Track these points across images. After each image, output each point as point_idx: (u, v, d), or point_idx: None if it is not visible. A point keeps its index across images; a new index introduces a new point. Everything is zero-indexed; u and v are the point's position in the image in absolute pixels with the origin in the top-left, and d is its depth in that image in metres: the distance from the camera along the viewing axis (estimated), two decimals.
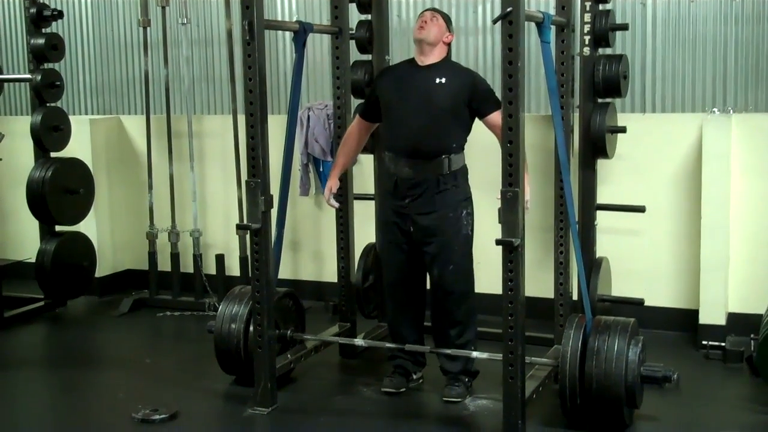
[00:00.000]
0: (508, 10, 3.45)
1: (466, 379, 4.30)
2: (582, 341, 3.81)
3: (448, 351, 4.25)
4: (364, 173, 5.47)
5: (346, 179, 4.84)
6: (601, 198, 4.82)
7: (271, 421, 4.09)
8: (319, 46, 5.88)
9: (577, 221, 4.25)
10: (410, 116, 4.18)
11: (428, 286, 4.39)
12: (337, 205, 4.66)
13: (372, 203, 5.10)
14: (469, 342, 4.28)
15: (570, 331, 3.85)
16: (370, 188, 5.20)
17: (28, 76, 5.82)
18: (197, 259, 6.06)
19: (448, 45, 4.30)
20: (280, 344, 4.45)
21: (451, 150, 4.14)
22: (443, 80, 4.15)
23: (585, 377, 3.75)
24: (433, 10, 4.37)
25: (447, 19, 4.30)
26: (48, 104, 5.83)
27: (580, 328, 3.85)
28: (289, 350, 4.51)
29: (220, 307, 4.51)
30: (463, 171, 4.24)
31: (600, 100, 4.64)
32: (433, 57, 4.22)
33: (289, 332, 4.53)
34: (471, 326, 4.30)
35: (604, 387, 3.72)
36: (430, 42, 4.19)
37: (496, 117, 4.02)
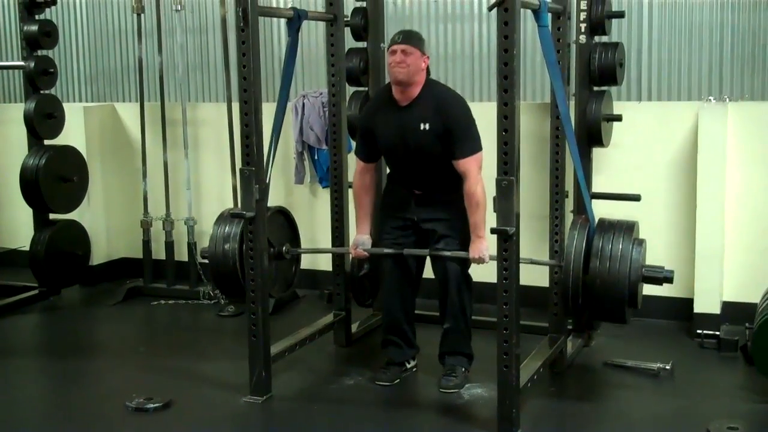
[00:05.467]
0: None
1: (463, 370, 4.28)
2: (586, 241, 3.88)
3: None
4: None
5: (341, 168, 4.82)
6: (597, 187, 4.81)
7: (265, 409, 4.09)
8: (314, 33, 5.86)
9: (586, 188, 4.20)
10: (410, 163, 4.19)
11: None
12: (364, 254, 4.43)
13: None
14: (462, 330, 4.28)
15: (574, 232, 3.93)
16: None
17: (22, 63, 5.79)
18: (192, 247, 6.04)
19: (427, 67, 4.11)
20: (276, 261, 4.41)
21: (459, 187, 4.09)
22: (427, 126, 4.05)
23: (588, 276, 3.81)
24: (405, 39, 4.03)
25: (420, 43, 4.04)
26: (41, 91, 5.81)
27: (585, 229, 3.92)
28: (283, 338, 4.50)
29: (212, 229, 4.47)
30: None
31: (596, 88, 4.62)
32: (414, 92, 4.07)
33: (284, 248, 4.48)
34: (467, 311, 4.29)
35: (607, 285, 3.79)
36: (410, 83, 4.04)
37: (463, 164, 4.01)
